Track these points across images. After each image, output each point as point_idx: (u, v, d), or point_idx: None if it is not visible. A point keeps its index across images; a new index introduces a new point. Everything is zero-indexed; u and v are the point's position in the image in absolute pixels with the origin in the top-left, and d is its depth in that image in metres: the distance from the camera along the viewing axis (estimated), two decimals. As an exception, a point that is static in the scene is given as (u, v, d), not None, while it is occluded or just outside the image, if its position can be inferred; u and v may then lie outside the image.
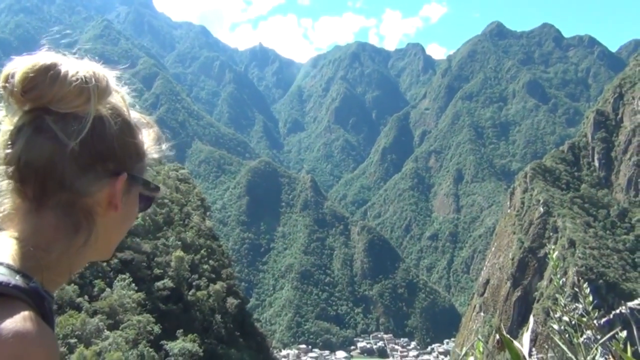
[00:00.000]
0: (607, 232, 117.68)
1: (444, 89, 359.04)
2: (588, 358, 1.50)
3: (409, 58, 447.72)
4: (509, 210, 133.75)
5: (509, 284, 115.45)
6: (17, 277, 1.19)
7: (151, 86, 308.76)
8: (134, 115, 1.46)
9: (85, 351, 30.42)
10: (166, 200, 60.41)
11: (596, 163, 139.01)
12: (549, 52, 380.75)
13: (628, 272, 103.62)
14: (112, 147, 1.35)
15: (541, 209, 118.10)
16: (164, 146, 1.53)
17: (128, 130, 1.40)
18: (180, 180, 71.60)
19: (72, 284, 38.58)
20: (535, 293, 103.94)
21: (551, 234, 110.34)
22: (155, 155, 1.50)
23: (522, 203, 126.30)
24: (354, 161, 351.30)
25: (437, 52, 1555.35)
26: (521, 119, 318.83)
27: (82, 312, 36.07)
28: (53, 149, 1.27)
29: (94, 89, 1.30)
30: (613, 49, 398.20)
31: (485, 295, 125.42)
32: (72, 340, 32.38)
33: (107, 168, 1.35)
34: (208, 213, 76.92)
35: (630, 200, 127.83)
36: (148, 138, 1.49)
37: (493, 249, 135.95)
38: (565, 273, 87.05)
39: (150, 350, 37.80)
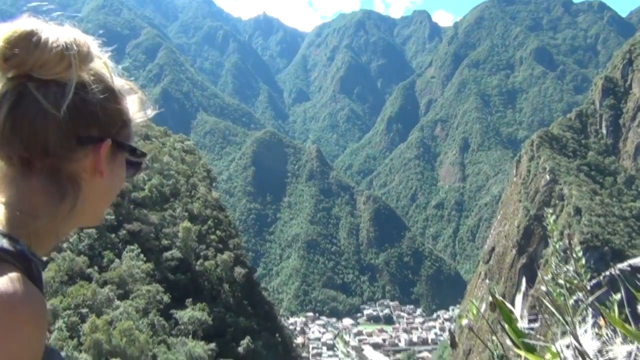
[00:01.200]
0: (614, 199, 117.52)
1: (450, 56, 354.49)
2: (576, 319, 1.57)
3: (415, 26, 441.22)
4: (515, 179, 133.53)
5: (514, 251, 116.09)
6: (4, 240, 1.19)
7: (155, 57, 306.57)
8: (118, 82, 1.42)
9: (97, 320, 31.07)
10: (172, 172, 60.69)
11: (604, 130, 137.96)
12: (558, 18, 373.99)
13: (634, 239, 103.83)
14: (96, 114, 1.34)
15: (547, 177, 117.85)
16: (149, 111, 1.50)
17: (111, 96, 1.38)
18: (186, 151, 71.76)
19: (82, 255, 39.21)
20: (540, 260, 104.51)
21: (557, 201, 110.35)
22: (140, 121, 1.48)
23: (528, 171, 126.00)
24: (360, 131, 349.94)
25: (444, 19, 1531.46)
26: (528, 87, 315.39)
27: (93, 282, 36.71)
28: (36, 116, 1.26)
29: (75, 55, 1.29)
30: (623, 14, 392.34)
31: (491, 262, 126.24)
32: (84, 310, 33.07)
33: (91, 134, 1.34)
34: (214, 184, 77.36)
35: (638, 168, 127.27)
36: (133, 104, 1.46)
37: (499, 217, 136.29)
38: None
39: (160, 318, 38.54)
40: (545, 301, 1.67)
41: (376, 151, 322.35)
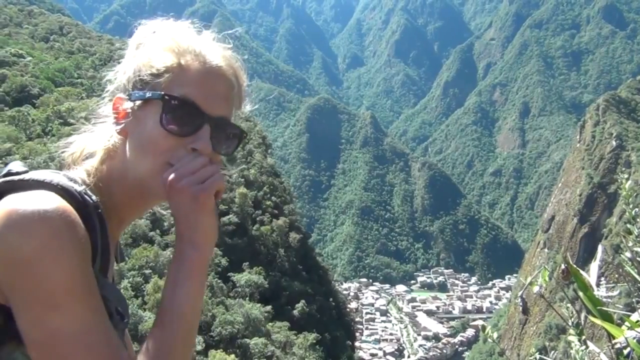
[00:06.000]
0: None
1: (512, 17, 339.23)
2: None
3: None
4: (578, 145, 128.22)
5: (575, 220, 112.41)
6: (64, 178, 1.19)
7: (210, 24, 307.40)
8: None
9: (160, 281, 32.45)
10: (229, 139, 61.60)
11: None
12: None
13: None
14: None
15: (613, 143, 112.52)
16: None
17: None
18: (242, 118, 72.23)
19: (144, 219, 40.73)
20: (604, 230, 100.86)
21: (623, 168, 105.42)
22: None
23: (593, 137, 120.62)
24: (415, 96, 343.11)
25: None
26: (595, 47, 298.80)
27: (155, 245, 38.21)
28: None
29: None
30: None
31: (550, 231, 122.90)
32: (147, 271, 34.61)
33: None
34: (269, 151, 78.10)
35: None
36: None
37: (560, 184, 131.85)
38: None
39: (219, 281, 39.84)
40: (629, 268, 1.58)
41: (432, 117, 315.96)
